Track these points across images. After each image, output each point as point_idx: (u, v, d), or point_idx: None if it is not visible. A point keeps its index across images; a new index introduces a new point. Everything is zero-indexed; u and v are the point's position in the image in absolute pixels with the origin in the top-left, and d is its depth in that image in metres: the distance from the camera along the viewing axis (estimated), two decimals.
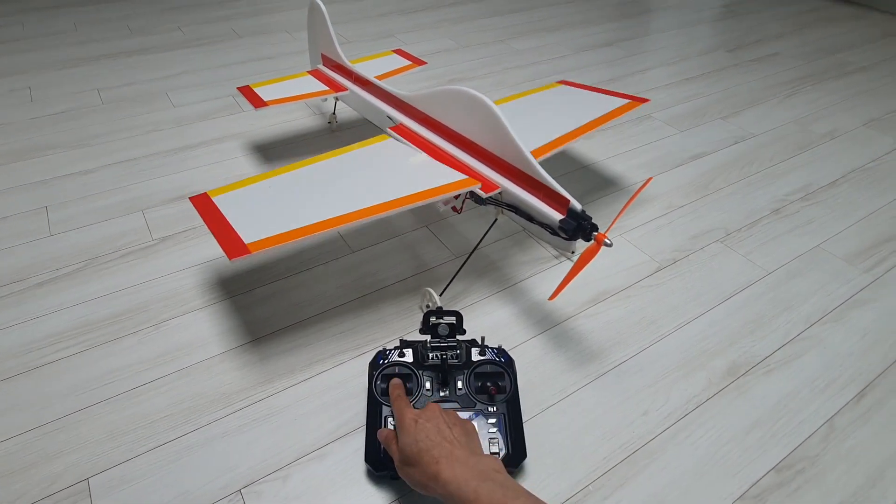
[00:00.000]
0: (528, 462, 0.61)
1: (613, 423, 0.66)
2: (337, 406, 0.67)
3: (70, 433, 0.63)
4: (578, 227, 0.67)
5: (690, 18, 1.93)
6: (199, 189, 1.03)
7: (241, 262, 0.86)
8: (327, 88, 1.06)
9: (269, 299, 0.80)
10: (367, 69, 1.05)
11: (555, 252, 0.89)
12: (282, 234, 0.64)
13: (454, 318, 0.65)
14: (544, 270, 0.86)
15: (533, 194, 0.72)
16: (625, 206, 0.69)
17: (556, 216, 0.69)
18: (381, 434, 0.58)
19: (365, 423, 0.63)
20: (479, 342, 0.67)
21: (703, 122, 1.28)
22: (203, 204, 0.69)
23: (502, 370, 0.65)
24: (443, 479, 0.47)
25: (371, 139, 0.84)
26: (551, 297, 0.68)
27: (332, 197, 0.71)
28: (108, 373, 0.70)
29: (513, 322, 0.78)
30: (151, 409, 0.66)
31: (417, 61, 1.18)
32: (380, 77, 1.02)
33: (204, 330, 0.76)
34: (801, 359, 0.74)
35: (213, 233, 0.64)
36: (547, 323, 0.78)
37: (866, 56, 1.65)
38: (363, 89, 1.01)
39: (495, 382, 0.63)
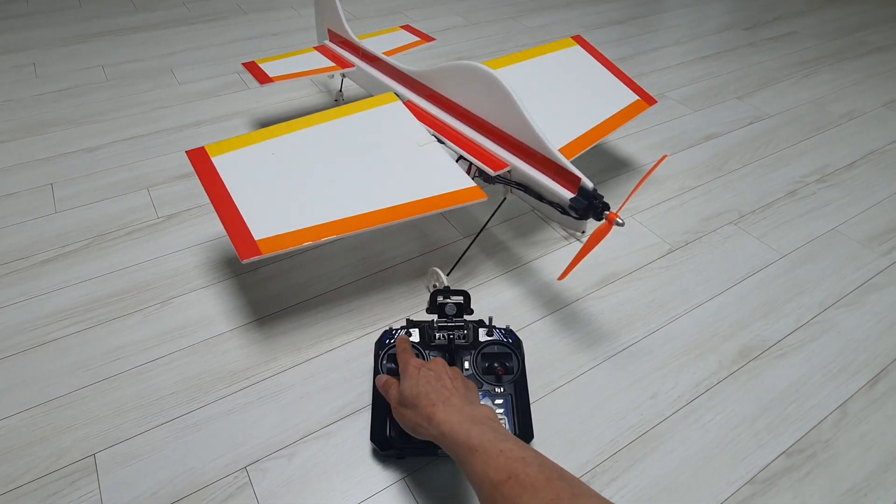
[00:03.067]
0: (535, 443, 0.60)
1: (622, 405, 0.65)
2: (343, 385, 0.66)
3: (76, 409, 0.63)
4: (590, 206, 0.65)
5: None
6: None
7: None
8: (333, 65, 1.04)
9: (274, 278, 0.80)
10: (375, 45, 1.02)
11: (564, 233, 0.88)
12: (292, 232, 0.63)
13: (462, 297, 0.64)
14: (554, 251, 0.85)
15: (543, 172, 0.70)
16: (638, 185, 0.67)
17: (567, 195, 0.67)
18: (380, 380, 0.58)
19: (371, 402, 0.63)
20: (487, 322, 0.66)
21: (717, 101, 1.25)
22: (201, 162, 0.69)
23: (510, 351, 0.64)
24: (436, 420, 0.48)
25: (375, 99, 0.83)
26: (560, 278, 0.67)
27: (341, 187, 0.69)
28: (114, 350, 0.70)
29: (521, 303, 0.77)
30: (157, 386, 0.66)
31: (426, 38, 1.15)
32: (388, 53, 1.00)
33: (209, 308, 0.75)
34: (814, 343, 0.73)
35: (225, 228, 0.63)
36: (556, 304, 0.77)
37: (885, 36, 1.61)
38: (370, 65, 0.99)
39: (503, 363, 0.63)
